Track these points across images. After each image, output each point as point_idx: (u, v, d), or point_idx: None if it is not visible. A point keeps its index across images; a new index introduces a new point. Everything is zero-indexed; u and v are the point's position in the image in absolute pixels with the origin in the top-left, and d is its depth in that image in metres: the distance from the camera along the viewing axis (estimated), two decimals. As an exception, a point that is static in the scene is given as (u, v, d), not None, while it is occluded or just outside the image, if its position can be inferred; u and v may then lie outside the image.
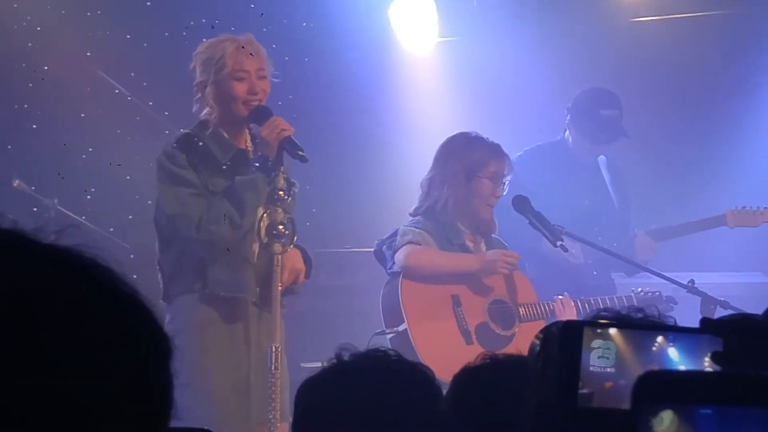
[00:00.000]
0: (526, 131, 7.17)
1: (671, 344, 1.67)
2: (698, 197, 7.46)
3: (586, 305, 5.92)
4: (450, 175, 5.71)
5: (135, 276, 1.25)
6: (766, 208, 6.65)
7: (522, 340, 5.56)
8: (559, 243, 5.78)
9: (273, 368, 4.90)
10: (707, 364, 1.64)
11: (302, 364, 5.42)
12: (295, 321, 5.66)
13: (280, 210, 5.01)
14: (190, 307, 4.97)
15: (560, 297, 5.95)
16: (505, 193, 5.78)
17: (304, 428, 2.52)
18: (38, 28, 7.24)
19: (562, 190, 6.45)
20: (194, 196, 4.95)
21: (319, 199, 7.00)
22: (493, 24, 7.91)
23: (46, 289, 1.11)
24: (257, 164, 4.98)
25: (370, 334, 5.44)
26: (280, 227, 4.99)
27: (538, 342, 1.80)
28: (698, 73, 8.02)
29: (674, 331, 1.69)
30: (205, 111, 5.05)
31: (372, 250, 5.95)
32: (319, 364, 2.59)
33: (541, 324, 3.48)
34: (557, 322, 1.76)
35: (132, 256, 6.42)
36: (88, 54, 7.30)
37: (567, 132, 6.73)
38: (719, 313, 5.74)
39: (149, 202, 5.21)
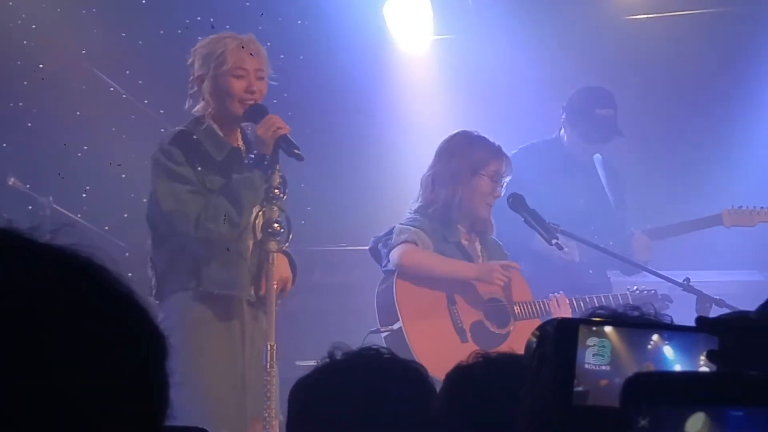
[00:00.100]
0: (521, 129, 7.17)
1: (666, 342, 1.67)
2: (694, 196, 7.46)
3: (582, 303, 5.91)
4: (455, 172, 5.69)
5: (130, 274, 1.25)
6: (762, 207, 6.64)
7: (517, 339, 5.57)
8: (554, 241, 5.78)
9: (268, 366, 4.88)
10: (703, 363, 1.64)
11: (297, 362, 5.42)
12: (289, 319, 5.65)
13: (275, 208, 4.99)
14: (184, 305, 4.95)
15: (555, 295, 5.94)
16: (503, 194, 5.78)
17: (298, 427, 2.52)
18: (33, 26, 7.23)
19: (558, 189, 6.44)
20: (192, 193, 4.93)
21: (314, 198, 7.01)
22: (488, 22, 7.90)
23: (46, 289, 1.11)
24: (253, 161, 4.97)
25: (364, 333, 5.43)
26: (276, 225, 4.98)
27: (534, 339, 1.79)
28: (694, 71, 8.02)
29: (670, 330, 1.69)
30: (198, 106, 5.03)
31: (367, 248, 5.94)
32: (313, 362, 2.59)
33: (537, 322, 3.48)
34: (553, 320, 1.76)
35: (127, 254, 6.42)
36: (84, 52, 7.30)
37: (562, 130, 6.71)
38: (715, 311, 5.74)
39: (144, 200, 5.19)
